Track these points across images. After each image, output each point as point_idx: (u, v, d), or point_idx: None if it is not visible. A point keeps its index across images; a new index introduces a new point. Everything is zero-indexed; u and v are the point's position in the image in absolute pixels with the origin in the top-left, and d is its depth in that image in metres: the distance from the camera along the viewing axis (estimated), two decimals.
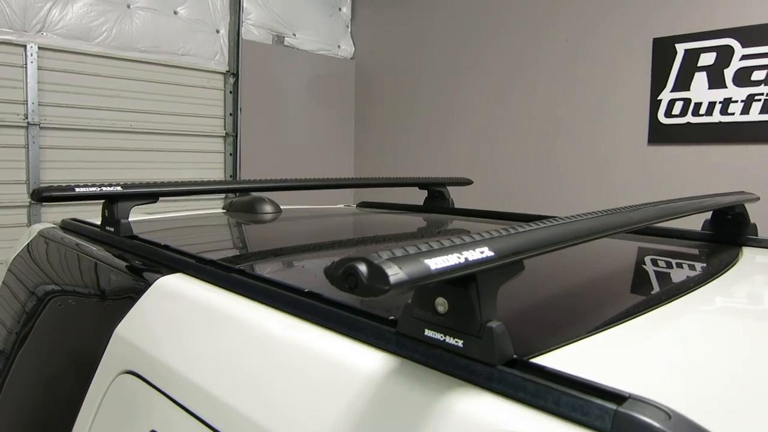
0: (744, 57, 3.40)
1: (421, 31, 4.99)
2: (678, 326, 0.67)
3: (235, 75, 4.56)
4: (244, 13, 4.58)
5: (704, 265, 1.13)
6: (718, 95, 3.48)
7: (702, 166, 3.53)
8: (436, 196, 1.85)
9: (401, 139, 5.15)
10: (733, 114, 3.43)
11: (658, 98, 3.71)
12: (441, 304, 0.50)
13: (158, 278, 0.83)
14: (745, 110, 3.39)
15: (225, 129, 4.57)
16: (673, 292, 0.78)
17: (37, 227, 1.41)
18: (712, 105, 3.51)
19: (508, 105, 4.42)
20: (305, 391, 0.54)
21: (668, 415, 0.39)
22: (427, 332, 0.51)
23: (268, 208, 1.61)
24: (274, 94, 4.84)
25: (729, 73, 3.45)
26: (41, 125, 3.66)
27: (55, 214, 3.73)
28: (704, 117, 3.54)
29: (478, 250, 0.47)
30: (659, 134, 3.72)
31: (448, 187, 1.86)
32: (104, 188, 1.06)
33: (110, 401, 0.75)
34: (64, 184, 1.04)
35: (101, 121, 3.90)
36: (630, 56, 3.81)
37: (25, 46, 3.57)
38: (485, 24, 4.54)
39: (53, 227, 1.35)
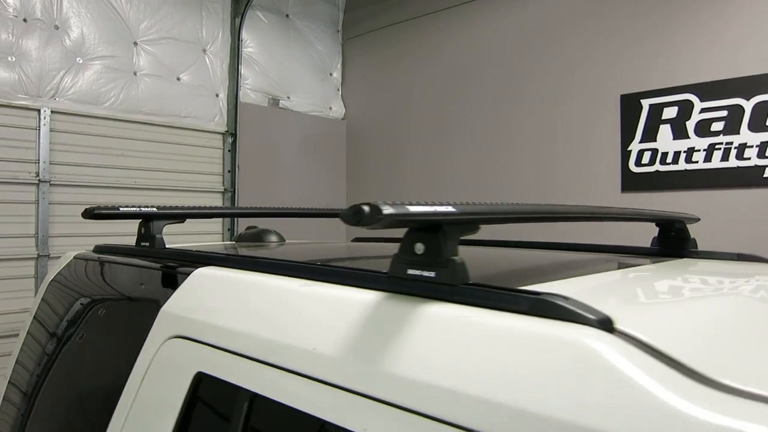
0: (703, 110, 3.72)
1: (406, 93, 5.35)
2: (600, 278, 0.88)
3: (233, 135, 4.85)
4: (241, 78, 4.92)
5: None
6: (683, 145, 3.78)
7: (671, 210, 3.79)
8: None
9: (390, 195, 5.41)
10: (696, 162, 3.72)
11: (629, 149, 4.01)
12: (419, 248, 0.70)
13: (195, 270, 1.03)
14: (707, 158, 3.68)
15: (224, 185, 4.81)
16: (600, 268, 0.99)
17: (71, 254, 1.60)
18: (677, 154, 3.80)
19: (492, 159, 4.72)
20: (322, 320, 0.74)
21: (566, 298, 0.60)
22: (410, 271, 0.72)
23: (273, 237, 1.82)
24: (270, 152, 5.13)
25: (691, 125, 3.76)
26: (51, 182, 3.88)
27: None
28: (671, 165, 3.82)
29: (444, 207, 0.69)
30: (631, 182, 4.00)
31: None
32: (143, 209, 1.27)
33: (159, 361, 0.93)
34: (111, 205, 1.24)
35: (107, 178, 4.14)
36: (601, 111, 4.14)
37: (39, 110, 3.84)
38: (466, 85, 4.90)
39: (88, 252, 1.55)
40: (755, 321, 0.65)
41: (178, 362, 0.89)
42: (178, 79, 4.57)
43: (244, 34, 4.96)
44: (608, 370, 0.49)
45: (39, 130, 3.84)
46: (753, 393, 0.47)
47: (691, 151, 3.75)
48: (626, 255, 1.50)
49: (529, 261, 1.16)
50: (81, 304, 1.31)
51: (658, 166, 3.87)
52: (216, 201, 4.78)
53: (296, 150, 5.34)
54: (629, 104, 4.01)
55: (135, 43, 4.34)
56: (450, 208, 0.69)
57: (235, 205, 4.80)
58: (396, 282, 0.73)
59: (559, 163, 4.34)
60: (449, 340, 0.61)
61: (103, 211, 1.23)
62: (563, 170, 4.31)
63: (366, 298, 0.73)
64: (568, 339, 0.53)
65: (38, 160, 3.84)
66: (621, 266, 0.99)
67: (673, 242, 1.53)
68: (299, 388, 0.69)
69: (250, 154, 4.94)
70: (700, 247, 1.50)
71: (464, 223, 0.71)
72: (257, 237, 1.83)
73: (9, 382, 1.49)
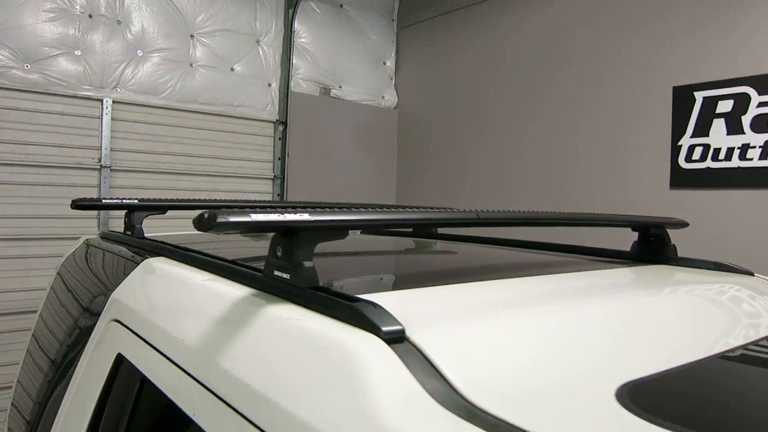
0: (761, 104, 3.49)
1: (460, 82, 5.32)
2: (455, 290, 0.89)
3: (284, 123, 5.01)
4: (293, 68, 5.06)
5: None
6: (737, 141, 3.57)
7: (722, 210, 3.60)
8: None
9: (443, 186, 5.43)
10: (751, 159, 3.51)
11: (679, 144, 3.83)
12: (278, 250, 0.76)
13: (145, 260, 1.13)
14: (764, 156, 3.46)
15: (273, 172, 5.00)
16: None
17: (84, 238, 1.76)
18: (730, 150, 3.60)
19: (543, 153, 4.63)
20: (212, 309, 0.81)
21: (375, 306, 0.64)
22: (276, 272, 0.78)
23: None
24: (320, 140, 5.26)
25: (746, 120, 3.54)
26: (112, 168, 4.18)
27: None
28: (723, 162, 3.62)
29: (299, 215, 0.74)
30: (680, 178, 3.82)
31: None
32: (124, 200, 1.39)
33: (100, 342, 1.04)
34: (95, 197, 1.37)
35: (164, 164, 4.40)
36: (652, 104, 3.97)
37: (102, 101, 4.14)
38: (520, 77, 4.81)
39: (95, 237, 1.70)
40: (575, 344, 0.66)
41: (108, 344, 1.00)
42: (232, 69, 4.77)
43: (297, 25, 5.09)
44: (356, 376, 0.53)
45: (101, 119, 4.14)
46: (499, 421, 0.48)
47: (745, 148, 3.54)
48: (596, 258, 1.48)
49: (426, 266, 1.18)
50: (75, 286, 1.46)
51: (709, 163, 3.68)
52: (266, 187, 4.97)
53: (346, 138, 5.45)
54: (681, 97, 3.82)
55: (191, 36, 4.57)
56: (306, 216, 0.74)
57: (284, 191, 4.98)
58: (265, 281, 0.79)
59: (606, 155, 4.21)
60: (267, 339, 0.66)
61: (87, 202, 1.36)
62: (610, 163, 4.18)
63: (240, 294, 0.80)
64: (342, 344, 0.57)
65: (100, 147, 4.14)
66: (512, 275, 1.00)
67: (651, 248, 1.50)
68: (170, 374, 0.77)
69: (300, 142, 5.10)
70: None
71: (321, 230, 0.76)
72: None
73: (25, 356, 1.67)
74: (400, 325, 0.61)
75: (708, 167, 3.69)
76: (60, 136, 3.99)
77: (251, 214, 0.70)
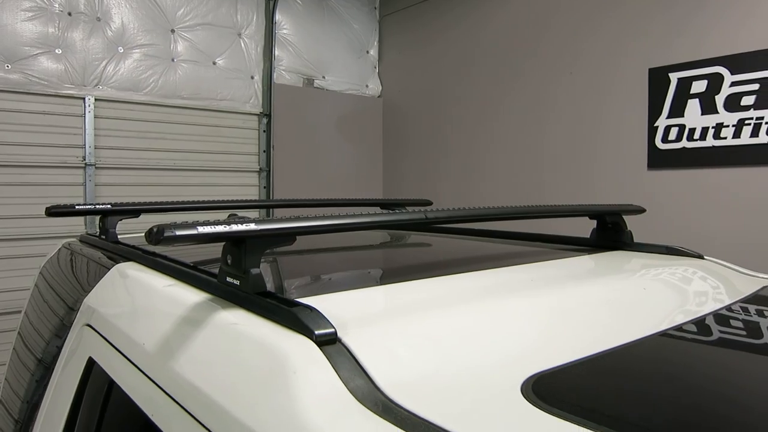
0: (733, 83, 3.55)
1: (442, 70, 5.35)
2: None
3: (268, 116, 5.04)
4: (276, 60, 5.08)
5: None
6: (711, 121, 3.64)
7: (698, 189, 3.67)
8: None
9: (428, 173, 5.48)
10: (725, 138, 3.57)
11: (655, 125, 3.89)
12: (228, 259, 0.82)
13: (116, 265, 1.19)
14: (737, 134, 3.53)
15: (259, 165, 5.04)
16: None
17: (63, 241, 1.81)
18: (705, 130, 3.66)
19: (524, 136, 4.68)
20: (170, 313, 0.87)
21: (311, 310, 0.69)
22: (228, 278, 0.83)
23: None
24: (305, 131, 5.29)
25: (720, 100, 3.60)
26: (96, 165, 4.21)
27: None
28: (698, 142, 3.69)
29: (245, 225, 0.80)
30: (657, 159, 3.89)
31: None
32: (98, 206, 1.44)
33: (73, 346, 1.10)
34: (69, 204, 1.42)
35: (149, 160, 4.44)
36: (628, 85, 4.02)
37: (84, 99, 4.16)
38: (501, 62, 4.85)
39: (74, 240, 1.75)
40: (499, 339, 0.72)
41: (80, 348, 1.05)
42: (214, 63, 4.78)
43: (278, 17, 5.10)
44: (285, 377, 0.59)
45: (84, 117, 4.16)
46: (409, 416, 0.53)
47: (719, 127, 3.60)
48: (555, 246, 1.54)
49: (381, 264, 1.25)
50: (54, 289, 1.51)
51: (685, 143, 3.75)
52: (252, 180, 5.01)
53: (332, 128, 5.48)
54: (657, 78, 3.87)
55: (172, 31, 4.58)
56: (253, 226, 0.80)
57: (271, 184, 5.02)
58: (218, 287, 0.85)
59: (584, 137, 4.26)
60: (215, 343, 0.72)
61: (60, 210, 1.41)
62: (588, 145, 4.24)
63: (196, 299, 0.86)
64: (276, 347, 0.63)
65: (84, 145, 4.17)
66: (462, 270, 1.05)
67: (608, 235, 1.56)
68: (132, 378, 0.83)
69: (285, 134, 5.13)
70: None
71: (267, 238, 0.82)
72: None
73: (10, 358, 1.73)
74: (333, 327, 0.66)
75: (684, 147, 3.76)
76: (43, 136, 4.02)
77: (198, 227, 0.75)
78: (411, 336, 0.70)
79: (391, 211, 1.04)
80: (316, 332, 0.65)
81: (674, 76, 3.80)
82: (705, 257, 1.46)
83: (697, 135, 3.69)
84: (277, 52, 5.09)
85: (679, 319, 0.89)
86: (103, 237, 1.46)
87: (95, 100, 4.19)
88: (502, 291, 0.90)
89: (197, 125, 4.68)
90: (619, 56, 4.07)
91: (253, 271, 0.79)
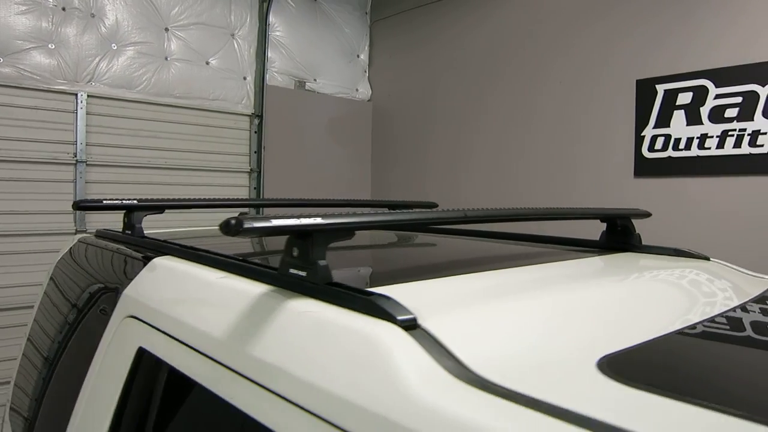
0: (717, 96, 3.68)
1: (431, 76, 5.43)
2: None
3: (260, 117, 5.05)
4: (268, 61, 5.10)
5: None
6: (696, 131, 3.76)
7: (683, 197, 3.80)
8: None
9: (416, 176, 5.54)
10: (709, 148, 3.70)
11: (642, 134, 4.01)
12: (294, 251, 0.86)
13: (154, 258, 1.21)
14: (720, 145, 3.66)
15: (250, 165, 5.04)
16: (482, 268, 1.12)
17: (77, 237, 1.82)
18: (690, 140, 3.79)
19: (512, 142, 4.78)
20: (228, 306, 0.91)
21: (388, 299, 0.74)
22: (291, 270, 0.87)
23: None
24: (295, 133, 5.32)
25: (705, 111, 3.73)
26: (87, 162, 4.18)
27: None
28: (684, 151, 3.81)
29: (314, 219, 0.84)
30: (644, 167, 4.01)
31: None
32: (124, 201, 1.46)
33: (116, 338, 1.12)
34: (96, 198, 1.43)
35: (140, 158, 4.41)
36: (617, 96, 4.14)
37: (76, 95, 4.12)
38: (489, 69, 4.94)
39: (90, 235, 1.76)
40: (560, 325, 0.78)
41: (127, 339, 1.07)
42: (207, 63, 4.78)
43: (272, 18, 5.12)
44: (382, 359, 0.63)
45: (76, 113, 4.13)
46: (507, 390, 0.59)
47: (704, 138, 3.73)
48: (567, 248, 1.61)
49: (424, 260, 1.30)
50: (74, 284, 1.52)
51: (670, 152, 3.87)
52: (243, 180, 5.01)
53: (322, 131, 5.51)
54: (644, 89, 4.00)
55: (166, 29, 4.57)
56: (319, 220, 0.84)
57: (261, 185, 5.03)
58: (281, 278, 0.89)
59: (573, 146, 4.37)
60: (292, 329, 0.76)
61: (88, 204, 1.43)
62: (577, 154, 4.35)
63: (257, 290, 0.89)
64: (367, 332, 0.68)
65: (76, 141, 4.13)
66: (500, 266, 1.11)
67: (618, 237, 1.63)
68: (198, 364, 0.86)
69: (276, 136, 5.14)
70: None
71: (332, 232, 0.86)
72: None
73: (23, 351, 1.73)
74: (412, 314, 0.71)
75: (669, 156, 3.88)
76: (34, 131, 3.97)
77: (272, 220, 0.79)
78: (483, 321, 0.75)
79: (430, 210, 1.08)
80: (399, 318, 0.70)
81: (661, 88, 3.92)
82: (711, 259, 1.54)
83: (682, 145, 3.82)
84: (269, 53, 5.10)
85: (714, 311, 0.96)
86: (129, 232, 1.47)
87: (87, 96, 4.16)
88: (553, 283, 0.95)
89: (189, 124, 4.67)
90: (607, 67, 4.18)
91: (321, 263, 0.83)
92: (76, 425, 1.12)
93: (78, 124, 4.13)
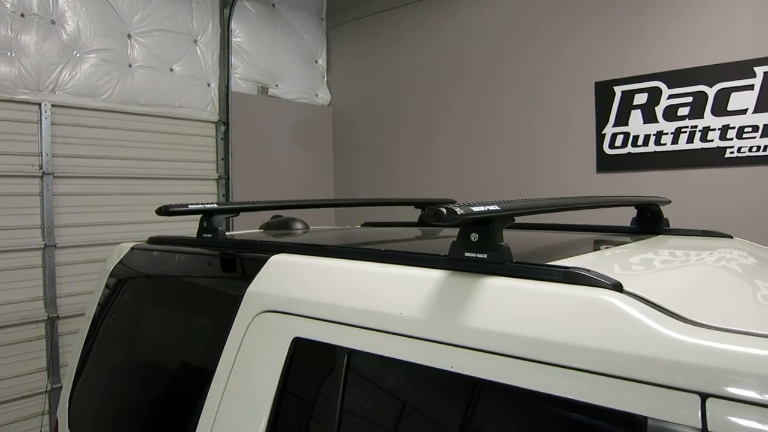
0: (671, 96, 4.02)
1: (390, 80, 5.56)
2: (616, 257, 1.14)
3: (226, 123, 5.01)
4: (232, 68, 5.06)
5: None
6: (652, 129, 4.09)
7: (642, 189, 4.11)
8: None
9: (376, 178, 5.65)
10: (665, 144, 4.03)
11: (603, 132, 4.31)
12: (474, 237, 0.95)
13: (271, 257, 1.26)
14: (675, 141, 4.00)
15: (218, 172, 4.98)
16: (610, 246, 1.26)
17: (126, 245, 1.80)
18: (647, 137, 4.11)
19: (475, 143, 4.98)
20: (402, 292, 0.98)
21: (587, 270, 0.85)
22: (467, 254, 0.96)
23: (299, 225, 2.05)
24: (261, 139, 5.30)
25: (659, 110, 4.06)
26: (54, 174, 4.01)
27: (67, 255, 4.06)
28: (641, 147, 4.13)
29: (494, 206, 0.93)
30: (605, 163, 4.31)
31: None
32: (206, 205, 1.48)
33: (252, 333, 1.17)
34: (181, 203, 1.45)
35: (108, 168, 4.28)
36: (577, 97, 4.42)
37: (40, 105, 3.95)
38: (449, 73, 5.13)
39: (144, 243, 1.76)
40: (719, 281, 0.92)
41: (273, 332, 1.12)
42: (171, 69, 4.70)
43: (233, 24, 5.09)
44: (622, 315, 0.74)
45: (41, 123, 3.96)
46: (716, 326, 0.72)
47: (659, 134, 4.06)
48: (615, 233, 1.77)
49: (547, 241, 1.42)
50: (154, 290, 1.52)
51: (629, 149, 4.18)
52: (211, 188, 4.95)
53: (286, 136, 5.53)
54: (603, 91, 4.30)
55: (129, 36, 4.45)
56: (496, 207, 0.94)
57: (230, 191, 4.99)
58: (455, 262, 0.98)
59: (538, 146, 4.62)
60: (509, 302, 0.86)
61: (175, 209, 1.44)
62: (543, 153, 4.60)
63: (432, 275, 0.98)
64: (593, 298, 0.79)
65: (41, 153, 3.96)
66: (615, 244, 1.26)
67: (649, 222, 1.81)
68: (391, 343, 0.94)
69: (243, 142, 5.11)
70: (673, 223, 1.78)
71: (506, 217, 0.96)
72: (284, 225, 2.05)
73: (79, 361, 1.70)
74: (616, 280, 0.82)
75: (629, 152, 4.19)
76: None
77: (472, 207, 0.88)
78: (661, 284, 0.88)
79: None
80: (610, 284, 0.81)
81: (618, 89, 4.24)
82: (733, 237, 1.75)
83: (640, 141, 4.14)
84: (232, 59, 5.07)
85: None
86: (209, 235, 1.49)
87: (52, 105, 4.00)
88: (673, 257, 1.10)
89: (156, 132, 4.57)
90: (567, 70, 4.46)
91: (504, 245, 0.93)
92: (218, 423, 1.15)
93: (43, 134, 3.97)
